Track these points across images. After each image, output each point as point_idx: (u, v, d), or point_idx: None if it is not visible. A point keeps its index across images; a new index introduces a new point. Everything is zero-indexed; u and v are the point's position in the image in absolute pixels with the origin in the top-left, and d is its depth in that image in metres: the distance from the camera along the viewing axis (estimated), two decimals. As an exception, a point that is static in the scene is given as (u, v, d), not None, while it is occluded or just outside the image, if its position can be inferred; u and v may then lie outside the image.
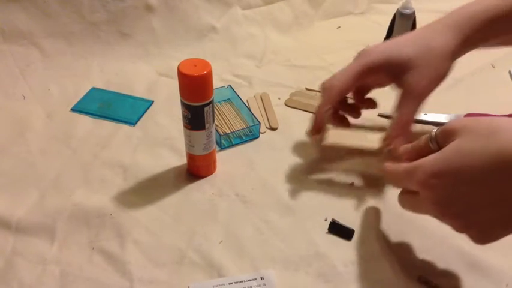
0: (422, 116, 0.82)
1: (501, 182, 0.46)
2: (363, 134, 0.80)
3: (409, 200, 0.57)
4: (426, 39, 0.65)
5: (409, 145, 0.58)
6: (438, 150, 0.51)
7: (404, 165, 0.54)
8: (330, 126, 0.74)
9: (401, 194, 0.59)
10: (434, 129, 0.53)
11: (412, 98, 0.65)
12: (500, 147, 0.46)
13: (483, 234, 0.51)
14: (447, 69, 0.66)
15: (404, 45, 0.66)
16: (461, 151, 0.48)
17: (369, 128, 0.81)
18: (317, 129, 0.71)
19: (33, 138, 0.79)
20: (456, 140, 0.49)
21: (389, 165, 0.58)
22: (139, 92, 0.89)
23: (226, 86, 0.86)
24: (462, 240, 0.64)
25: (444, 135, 0.51)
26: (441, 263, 0.62)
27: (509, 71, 0.93)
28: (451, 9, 1.02)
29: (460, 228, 0.52)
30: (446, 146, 0.50)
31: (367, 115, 0.84)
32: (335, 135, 0.79)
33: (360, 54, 0.68)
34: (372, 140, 0.78)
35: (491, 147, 0.46)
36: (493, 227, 0.50)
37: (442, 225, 0.66)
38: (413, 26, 0.95)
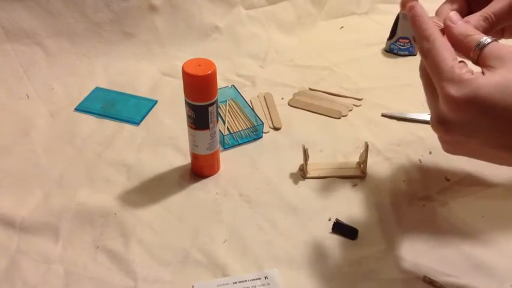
0: (426, 117, 0.81)
1: None
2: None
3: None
4: None
5: (461, 23, 0.51)
6: (474, 59, 0.49)
7: (455, 62, 0.48)
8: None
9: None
10: (485, 38, 0.49)
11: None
12: None
13: (456, 152, 0.51)
14: None
15: None
16: (508, 88, 0.45)
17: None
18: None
19: (37, 137, 0.79)
20: (506, 71, 0.46)
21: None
22: (143, 91, 0.89)
23: (230, 86, 0.86)
24: (466, 241, 0.64)
25: (494, 55, 0.48)
26: (445, 264, 0.62)
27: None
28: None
29: (444, 140, 0.51)
30: (491, 66, 0.47)
31: (370, 115, 0.84)
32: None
33: None
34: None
35: None
36: (472, 152, 0.50)
37: (447, 226, 0.66)
38: (417, 26, 0.95)
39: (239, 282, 0.60)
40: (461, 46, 0.51)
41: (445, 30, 0.52)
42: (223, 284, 0.60)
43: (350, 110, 0.85)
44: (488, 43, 0.48)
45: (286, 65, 0.97)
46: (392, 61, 0.98)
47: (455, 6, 0.57)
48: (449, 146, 0.52)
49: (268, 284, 0.60)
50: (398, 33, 0.97)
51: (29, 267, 0.62)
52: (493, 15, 0.54)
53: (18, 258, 0.63)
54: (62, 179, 0.73)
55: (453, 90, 0.47)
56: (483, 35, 0.50)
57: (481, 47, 0.48)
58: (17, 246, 0.64)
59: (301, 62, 0.97)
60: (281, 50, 1.00)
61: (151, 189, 0.72)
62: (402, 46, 0.98)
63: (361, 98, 0.88)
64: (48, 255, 0.63)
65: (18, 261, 0.62)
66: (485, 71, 0.47)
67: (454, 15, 0.52)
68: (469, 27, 0.51)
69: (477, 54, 0.49)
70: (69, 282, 0.61)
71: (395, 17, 0.96)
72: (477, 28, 0.53)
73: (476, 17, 0.53)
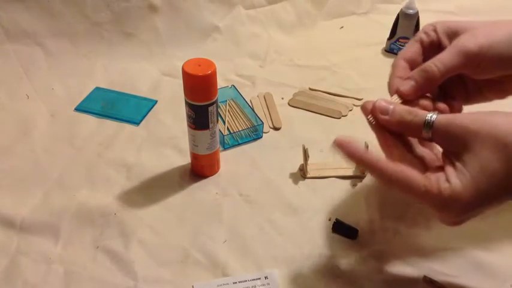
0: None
1: None
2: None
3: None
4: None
5: (393, 108, 0.50)
6: (428, 138, 0.48)
7: (426, 182, 0.46)
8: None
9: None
10: (431, 115, 0.47)
11: (455, 50, 0.52)
12: None
13: (459, 224, 0.50)
14: None
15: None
16: (485, 171, 0.45)
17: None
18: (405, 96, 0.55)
19: (37, 137, 0.79)
20: (474, 157, 0.45)
21: (386, 163, 0.48)
22: (143, 91, 0.89)
23: (230, 86, 0.86)
24: (466, 241, 0.64)
25: (449, 137, 0.47)
26: (445, 264, 0.62)
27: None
28: (454, 10, 1.02)
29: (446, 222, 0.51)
30: (455, 153, 0.46)
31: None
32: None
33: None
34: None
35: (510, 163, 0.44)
36: (471, 219, 0.49)
37: (447, 227, 0.66)
38: (417, 26, 0.95)
39: (239, 282, 0.60)
40: (408, 132, 0.50)
41: (384, 125, 0.50)
42: (223, 284, 0.60)
43: (350, 110, 0.85)
44: (435, 119, 0.47)
45: (286, 64, 0.97)
46: (392, 61, 0.98)
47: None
48: (452, 224, 0.50)
49: (268, 284, 0.60)
50: (399, 33, 0.97)
51: (29, 267, 0.62)
52: (442, 67, 0.52)
53: (18, 258, 0.63)
54: (62, 178, 0.73)
55: (444, 216, 0.48)
56: (425, 112, 0.48)
57: (430, 125, 0.47)
58: (17, 246, 0.64)
59: (301, 62, 0.97)
60: (281, 50, 1.00)
61: (151, 189, 0.72)
62: (402, 46, 0.97)
63: (361, 98, 0.88)
64: (48, 255, 0.63)
65: (18, 261, 0.62)
66: (455, 163, 0.46)
67: (382, 105, 0.50)
68: (404, 111, 0.49)
69: (430, 133, 0.48)
70: (69, 282, 0.61)
71: (395, 17, 0.96)
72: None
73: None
